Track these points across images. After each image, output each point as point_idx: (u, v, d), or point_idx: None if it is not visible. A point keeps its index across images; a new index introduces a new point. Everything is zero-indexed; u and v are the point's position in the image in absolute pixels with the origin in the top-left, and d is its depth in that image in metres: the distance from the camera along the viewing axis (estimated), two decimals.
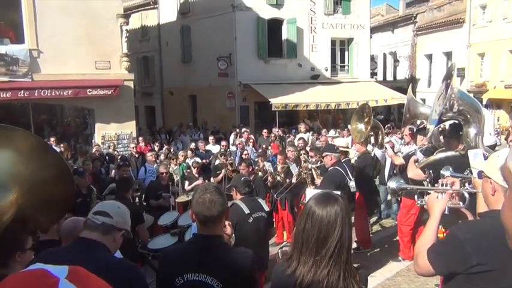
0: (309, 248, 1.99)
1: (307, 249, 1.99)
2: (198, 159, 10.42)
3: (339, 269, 1.98)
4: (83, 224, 2.47)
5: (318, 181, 7.18)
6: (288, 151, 8.69)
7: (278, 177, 7.96)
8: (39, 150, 2.05)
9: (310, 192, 6.12)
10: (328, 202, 2.02)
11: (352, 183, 6.48)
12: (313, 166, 7.60)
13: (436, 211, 2.42)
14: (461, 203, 2.62)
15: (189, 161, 10.19)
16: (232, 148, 14.22)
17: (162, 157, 11.16)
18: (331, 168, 6.65)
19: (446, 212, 2.49)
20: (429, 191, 2.69)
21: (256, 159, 9.64)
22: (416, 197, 2.95)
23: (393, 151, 8.85)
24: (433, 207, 2.46)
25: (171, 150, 12.78)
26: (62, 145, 12.60)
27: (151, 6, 25.20)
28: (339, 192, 6.00)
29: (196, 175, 9.16)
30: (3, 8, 12.91)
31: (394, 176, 3.60)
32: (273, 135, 14.86)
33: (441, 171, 3.29)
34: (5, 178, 1.80)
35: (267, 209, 4.95)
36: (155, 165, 9.69)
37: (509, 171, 0.70)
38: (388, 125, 16.68)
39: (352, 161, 7.63)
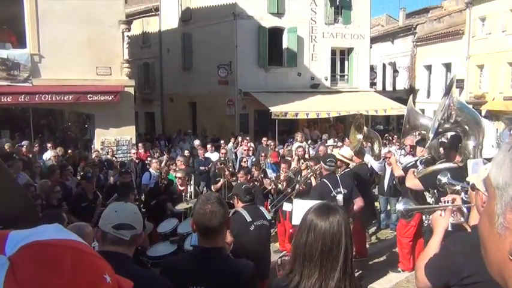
0: (314, 261, 1.93)
1: (311, 263, 1.94)
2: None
3: (344, 281, 1.94)
4: (101, 239, 2.30)
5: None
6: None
7: (279, 185, 7.96)
8: None
9: (298, 203, 6.09)
10: (330, 213, 1.97)
11: (339, 197, 6.19)
12: (310, 175, 7.62)
13: (439, 228, 2.47)
14: (462, 218, 2.66)
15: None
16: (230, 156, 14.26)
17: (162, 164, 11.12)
18: (320, 180, 6.65)
19: (449, 229, 2.52)
20: (435, 210, 2.72)
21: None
22: (424, 216, 2.98)
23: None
24: (437, 225, 2.51)
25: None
26: (69, 151, 12.59)
27: (153, 13, 25.33)
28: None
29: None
30: (6, 13, 12.97)
31: (402, 198, 3.56)
32: (272, 143, 14.87)
33: (438, 176, 3.32)
34: None
35: (268, 217, 4.95)
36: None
37: (490, 182, 0.75)
38: (386, 135, 16.73)
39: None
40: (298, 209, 5.63)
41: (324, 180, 6.47)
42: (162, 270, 2.72)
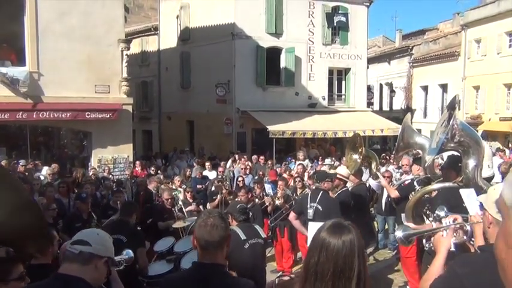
0: (325, 281, 1.85)
1: (322, 283, 1.86)
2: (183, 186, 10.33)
3: None
4: (62, 256, 2.38)
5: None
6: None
7: (277, 202, 7.93)
8: None
9: (313, 225, 6.07)
10: (343, 232, 1.90)
11: (310, 211, 6.28)
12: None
13: (442, 249, 2.45)
14: (465, 237, 2.63)
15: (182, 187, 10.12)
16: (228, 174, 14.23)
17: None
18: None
19: (452, 249, 2.49)
20: (435, 232, 2.69)
21: (253, 186, 9.61)
22: (424, 240, 2.95)
23: (391, 180, 8.84)
24: (439, 245, 2.48)
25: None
26: (78, 170, 12.43)
27: (152, 32, 25.58)
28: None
29: (190, 200, 9.09)
30: (6, 31, 13.07)
31: (400, 225, 3.49)
32: (270, 162, 14.90)
33: (436, 212, 3.31)
34: None
35: (263, 235, 4.93)
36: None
37: (504, 203, 0.74)
38: (383, 154, 16.74)
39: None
40: (314, 232, 5.61)
41: (308, 192, 6.56)
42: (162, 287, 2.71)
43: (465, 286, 2.02)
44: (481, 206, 2.37)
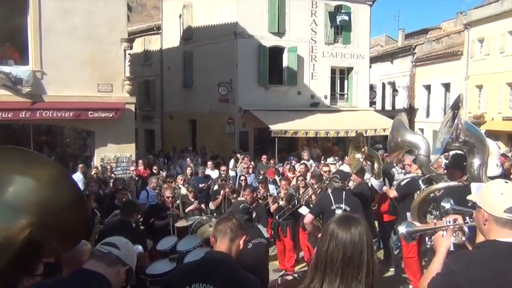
0: (335, 268, 1.92)
1: (332, 270, 1.93)
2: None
3: None
4: (90, 255, 2.46)
5: None
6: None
7: (281, 202, 7.92)
8: (57, 177, 2.06)
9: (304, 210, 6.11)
10: (351, 224, 1.97)
11: (339, 212, 6.07)
12: (311, 193, 7.60)
13: (442, 249, 2.47)
14: (463, 238, 2.65)
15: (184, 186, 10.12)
16: (231, 173, 14.25)
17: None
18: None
19: (451, 249, 2.50)
20: (437, 230, 2.71)
21: (257, 185, 9.60)
22: (426, 238, 2.97)
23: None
24: (439, 245, 2.51)
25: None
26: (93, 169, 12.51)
27: (155, 32, 25.61)
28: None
29: (192, 199, 9.09)
30: (9, 30, 13.10)
31: (404, 222, 3.45)
32: (272, 161, 14.90)
33: (442, 203, 3.31)
34: (20, 203, 1.80)
35: (266, 235, 4.94)
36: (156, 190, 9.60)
37: None
38: (386, 154, 16.71)
39: None
40: None
41: (328, 192, 6.46)
42: (173, 272, 3.02)
43: (461, 282, 2.06)
44: (474, 205, 2.39)
